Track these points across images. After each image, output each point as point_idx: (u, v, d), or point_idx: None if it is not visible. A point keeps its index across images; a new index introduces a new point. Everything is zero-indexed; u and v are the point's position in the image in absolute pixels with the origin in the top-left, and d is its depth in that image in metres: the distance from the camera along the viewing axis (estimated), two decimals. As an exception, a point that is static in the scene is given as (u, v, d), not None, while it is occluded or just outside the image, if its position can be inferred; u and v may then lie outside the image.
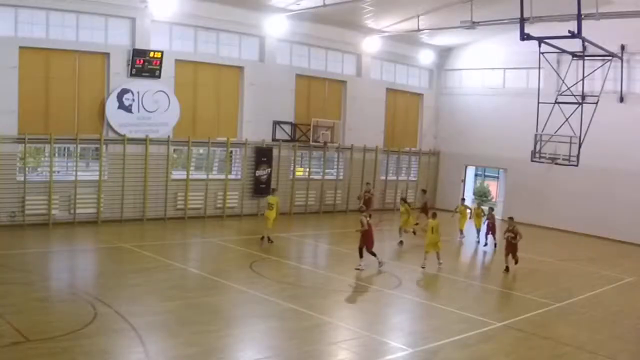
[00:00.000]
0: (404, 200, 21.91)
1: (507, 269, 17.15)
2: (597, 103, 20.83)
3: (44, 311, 11.02)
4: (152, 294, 12.83)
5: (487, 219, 21.42)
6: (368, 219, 16.22)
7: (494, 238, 20.95)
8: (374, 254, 16.18)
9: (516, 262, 17.12)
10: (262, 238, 18.82)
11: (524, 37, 17.01)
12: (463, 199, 24.91)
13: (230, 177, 24.16)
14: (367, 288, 14.80)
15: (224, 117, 24.12)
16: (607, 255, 21.36)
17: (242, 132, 24.43)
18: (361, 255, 16.07)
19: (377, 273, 15.94)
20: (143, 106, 21.31)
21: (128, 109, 21.06)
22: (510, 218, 17.99)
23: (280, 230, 21.66)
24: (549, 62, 21.46)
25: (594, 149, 21.89)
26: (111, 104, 20.70)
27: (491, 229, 21.04)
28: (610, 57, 22.34)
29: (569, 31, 16.68)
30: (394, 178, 30.26)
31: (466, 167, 31.24)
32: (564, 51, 21.50)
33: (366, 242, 16.09)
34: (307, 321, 11.68)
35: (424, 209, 24.01)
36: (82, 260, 16.31)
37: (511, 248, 17.06)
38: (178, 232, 20.79)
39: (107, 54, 20.61)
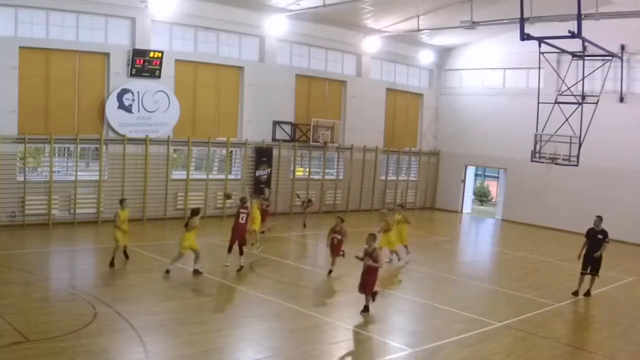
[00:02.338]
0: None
1: (330, 271, 15.08)
2: (597, 103, 20.86)
3: (44, 311, 11.02)
4: (152, 294, 12.83)
5: (334, 231, 15.25)
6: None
7: (334, 257, 15.29)
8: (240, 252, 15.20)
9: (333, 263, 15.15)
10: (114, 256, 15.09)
11: (524, 37, 17.04)
12: (401, 206, 18.92)
13: (230, 177, 24.17)
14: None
15: (224, 117, 24.12)
16: (607, 255, 21.30)
17: (242, 132, 24.43)
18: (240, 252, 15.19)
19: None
20: (143, 106, 21.31)
21: (128, 109, 21.06)
22: (339, 218, 15.25)
23: (281, 231, 21.69)
24: (549, 62, 21.49)
25: (594, 149, 21.90)
26: (111, 104, 20.71)
27: (336, 246, 15.13)
28: (610, 57, 22.36)
29: (569, 31, 16.70)
30: (394, 178, 30.26)
31: (466, 167, 31.23)
32: (564, 51, 21.53)
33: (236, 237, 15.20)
34: (307, 321, 11.68)
35: (264, 213, 19.24)
36: (82, 260, 16.31)
37: (337, 250, 15.02)
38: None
39: (107, 54, 20.62)
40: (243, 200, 15.43)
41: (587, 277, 14.84)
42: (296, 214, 25.91)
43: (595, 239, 14.71)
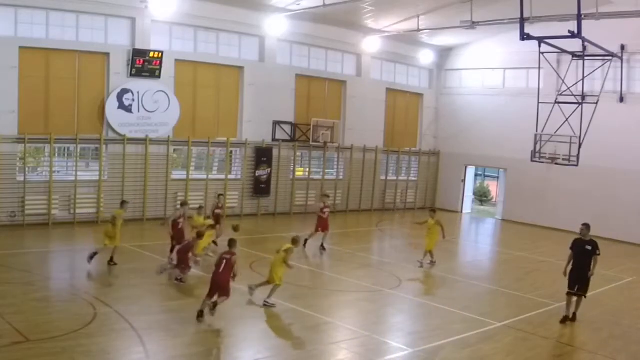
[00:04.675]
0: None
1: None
2: (597, 103, 20.86)
3: (44, 311, 11.03)
4: (152, 294, 12.84)
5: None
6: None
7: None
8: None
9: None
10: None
11: (524, 37, 17.02)
12: (433, 210, 18.45)
13: (230, 177, 24.17)
14: (367, 288, 14.78)
15: (224, 117, 24.12)
16: (607, 255, 21.25)
17: (242, 132, 24.43)
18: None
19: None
20: (143, 106, 21.31)
21: (128, 109, 21.06)
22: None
23: (281, 231, 21.68)
24: (549, 62, 21.48)
25: (594, 149, 21.91)
26: (111, 104, 20.71)
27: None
28: (610, 57, 22.36)
29: (569, 31, 16.69)
30: (394, 178, 30.26)
31: (466, 167, 31.24)
32: (564, 51, 21.53)
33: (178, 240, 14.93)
34: (307, 321, 11.69)
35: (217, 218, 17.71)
36: (82, 260, 16.27)
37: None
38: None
39: (107, 54, 20.61)
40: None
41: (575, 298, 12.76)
42: (296, 214, 25.92)
43: (583, 251, 12.53)
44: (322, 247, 18.54)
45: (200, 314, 11.07)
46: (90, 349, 9.30)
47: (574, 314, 12.81)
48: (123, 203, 16.03)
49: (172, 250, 15.32)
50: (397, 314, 13.03)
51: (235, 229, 14.89)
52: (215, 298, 11.17)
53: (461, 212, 30.94)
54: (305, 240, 18.24)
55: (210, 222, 16.13)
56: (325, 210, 18.76)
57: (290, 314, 12.05)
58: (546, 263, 19.36)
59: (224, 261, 11.56)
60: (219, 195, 19.41)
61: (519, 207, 28.25)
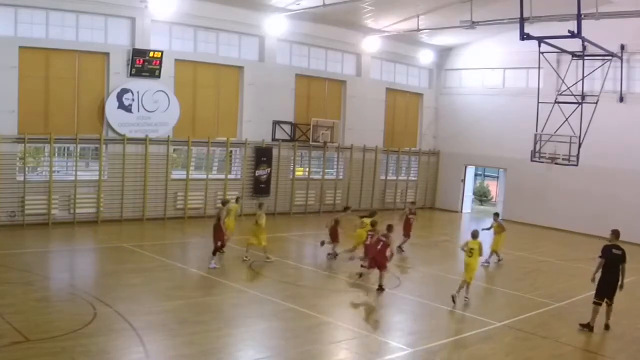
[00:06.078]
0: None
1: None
2: (597, 103, 20.87)
3: (44, 311, 11.02)
4: (152, 294, 12.83)
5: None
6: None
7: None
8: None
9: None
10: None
11: (524, 37, 17.02)
12: (497, 214, 19.34)
13: (230, 177, 24.17)
14: (367, 288, 14.78)
15: (224, 117, 24.12)
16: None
17: (242, 132, 24.43)
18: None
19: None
20: (143, 106, 21.31)
21: (128, 109, 21.06)
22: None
23: (281, 231, 21.68)
24: (549, 62, 21.49)
25: (594, 149, 21.91)
26: (111, 104, 20.71)
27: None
28: (610, 57, 22.36)
29: (569, 31, 16.69)
30: (394, 178, 30.26)
31: (466, 167, 31.23)
32: (564, 51, 21.54)
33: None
34: (307, 321, 11.68)
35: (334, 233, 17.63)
36: (82, 260, 16.32)
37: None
38: (178, 232, 20.80)
39: (107, 54, 20.61)
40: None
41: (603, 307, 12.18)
42: (296, 214, 25.91)
43: (613, 256, 12.16)
44: (401, 249, 19.12)
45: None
46: (90, 349, 9.30)
47: (607, 324, 12.20)
48: (238, 199, 18.41)
49: (215, 252, 15.55)
50: (397, 314, 13.03)
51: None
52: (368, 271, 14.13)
53: (461, 212, 30.93)
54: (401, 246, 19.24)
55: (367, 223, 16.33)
56: (411, 217, 19.77)
57: (290, 314, 12.04)
58: (546, 263, 19.35)
59: (381, 243, 13.92)
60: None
61: (519, 207, 28.24)
